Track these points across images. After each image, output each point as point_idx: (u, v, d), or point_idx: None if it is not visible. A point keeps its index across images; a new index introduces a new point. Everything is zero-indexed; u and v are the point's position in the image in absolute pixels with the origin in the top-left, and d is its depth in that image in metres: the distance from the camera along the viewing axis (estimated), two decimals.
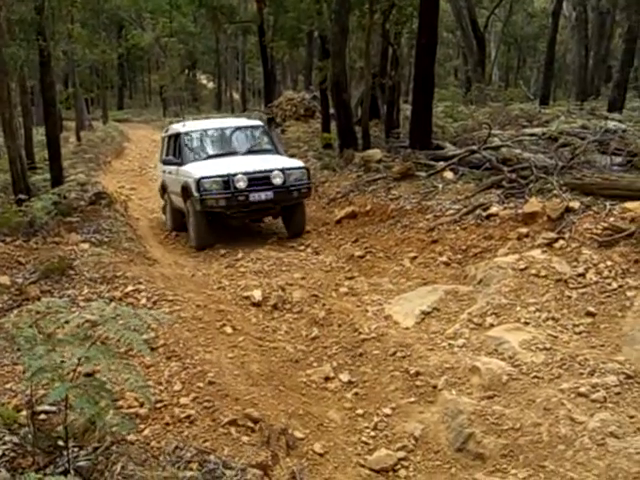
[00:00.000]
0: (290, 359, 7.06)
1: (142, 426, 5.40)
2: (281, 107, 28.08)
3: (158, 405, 5.72)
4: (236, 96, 50.75)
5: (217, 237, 12.31)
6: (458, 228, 10.41)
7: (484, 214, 10.38)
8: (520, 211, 9.88)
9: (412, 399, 6.32)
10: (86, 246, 9.97)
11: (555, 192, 9.91)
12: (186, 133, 13.83)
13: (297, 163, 13.33)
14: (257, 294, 8.34)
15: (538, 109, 23.29)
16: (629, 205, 8.82)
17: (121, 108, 49.28)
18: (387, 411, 6.22)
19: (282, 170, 12.34)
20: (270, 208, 12.70)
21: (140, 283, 8.18)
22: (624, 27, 24.45)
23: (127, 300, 7.70)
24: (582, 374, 6.20)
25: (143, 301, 7.74)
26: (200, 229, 12.20)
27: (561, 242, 8.72)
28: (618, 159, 11.49)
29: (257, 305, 8.21)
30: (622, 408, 5.65)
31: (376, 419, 6.14)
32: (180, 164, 13.12)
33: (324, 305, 8.14)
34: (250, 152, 13.69)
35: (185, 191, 12.46)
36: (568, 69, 44.99)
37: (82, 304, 7.30)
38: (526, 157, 12.24)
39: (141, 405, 5.62)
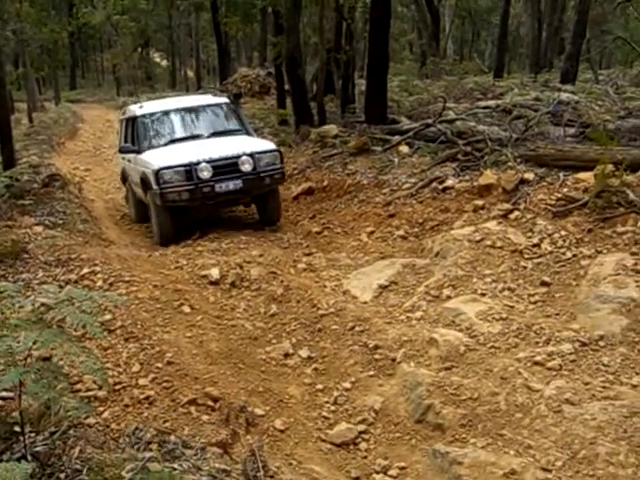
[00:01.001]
0: (249, 337, 7.04)
1: (101, 409, 5.38)
2: (236, 84, 27.88)
3: (117, 387, 5.70)
4: (190, 74, 50.17)
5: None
6: (414, 202, 10.45)
7: (440, 187, 10.44)
8: (475, 183, 9.96)
9: (371, 373, 6.37)
10: (40, 229, 9.83)
11: (510, 164, 10.01)
12: (143, 116, 12.43)
13: (268, 145, 11.94)
14: (215, 272, 8.28)
15: (492, 82, 23.44)
16: (582, 175, 8.93)
17: (74, 88, 48.33)
18: (347, 385, 6.25)
19: (251, 155, 11.02)
20: (239, 198, 11.50)
21: (96, 265, 8.08)
22: None
23: (83, 283, 7.61)
24: (538, 343, 6.30)
25: (99, 283, 7.66)
26: (162, 225, 10.95)
27: (516, 213, 8.82)
28: (571, 130, 11.61)
29: (215, 284, 8.15)
30: (577, 375, 5.77)
31: (336, 393, 6.17)
32: (138, 152, 11.87)
33: (282, 282, 8.13)
34: (216, 134, 12.28)
35: (144, 183, 11.28)
36: (522, 42, 45.26)
37: (37, 288, 7.21)
38: (481, 130, 12.32)
39: (100, 388, 5.58)
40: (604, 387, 5.53)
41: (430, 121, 13.56)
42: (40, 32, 25.62)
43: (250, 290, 8.07)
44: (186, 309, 7.32)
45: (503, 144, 10.96)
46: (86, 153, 21.26)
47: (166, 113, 12.67)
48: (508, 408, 5.43)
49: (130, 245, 10.79)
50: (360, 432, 5.69)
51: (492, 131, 12.07)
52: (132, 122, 12.71)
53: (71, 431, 4.46)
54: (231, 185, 10.84)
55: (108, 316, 6.56)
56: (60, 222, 10.65)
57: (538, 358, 5.98)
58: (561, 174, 9.24)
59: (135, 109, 13.00)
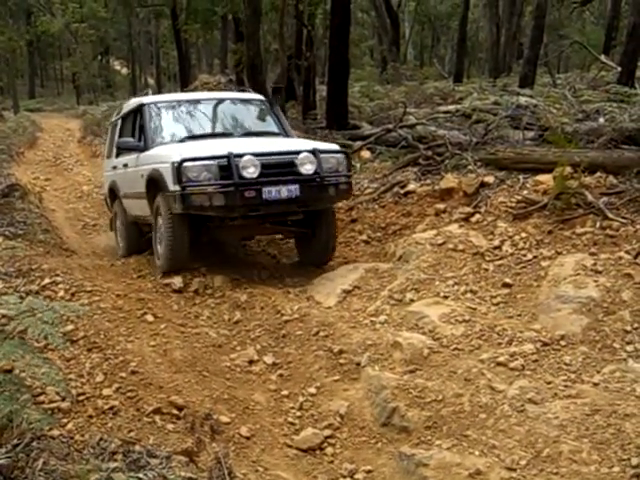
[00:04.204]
0: (213, 344, 7.01)
1: (65, 420, 5.30)
2: (197, 91, 27.78)
3: (81, 398, 5.62)
4: (151, 81, 49.92)
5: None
6: (377, 206, 10.52)
7: (402, 192, 10.50)
8: (437, 187, 10.02)
9: (336, 377, 6.36)
10: (0, 240, 9.71)
11: (470, 167, 10.07)
12: (151, 105, 9.75)
13: (331, 145, 9.24)
14: (178, 281, 8.23)
15: (452, 87, 23.62)
16: (541, 178, 9.02)
17: (33, 97, 47.88)
18: (312, 390, 6.24)
19: (314, 152, 8.21)
20: (292, 213, 8.55)
21: (57, 275, 7.99)
22: (534, 4, 24.87)
23: (44, 293, 7.51)
24: (500, 344, 6.35)
25: (61, 293, 7.57)
26: (175, 243, 8.23)
27: (477, 216, 8.89)
28: (530, 134, 11.73)
29: (178, 292, 8.11)
30: (539, 375, 5.82)
31: (301, 399, 6.16)
32: (143, 149, 9.19)
33: (246, 289, 8.11)
34: (249, 134, 9.56)
35: (153, 185, 8.50)
36: (481, 47, 45.78)
37: None
38: (441, 134, 12.39)
39: (63, 399, 5.52)
40: (566, 386, 5.59)
41: (391, 126, 13.66)
42: None
43: (214, 297, 8.04)
44: (149, 318, 7.27)
45: (463, 148, 11.03)
46: (46, 162, 21.06)
47: (183, 103, 10.09)
48: (472, 409, 5.47)
49: (92, 255, 10.70)
50: (326, 437, 5.68)
51: (452, 135, 12.15)
52: (134, 115, 10.03)
53: (34, 443, 4.41)
54: (284, 191, 7.98)
55: (70, 326, 6.48)
56: (20, 232, 10.50)
57: (501, 359, 6.03)
58: (521, 177, 9.32)
59: (139, 99, 10.57)
